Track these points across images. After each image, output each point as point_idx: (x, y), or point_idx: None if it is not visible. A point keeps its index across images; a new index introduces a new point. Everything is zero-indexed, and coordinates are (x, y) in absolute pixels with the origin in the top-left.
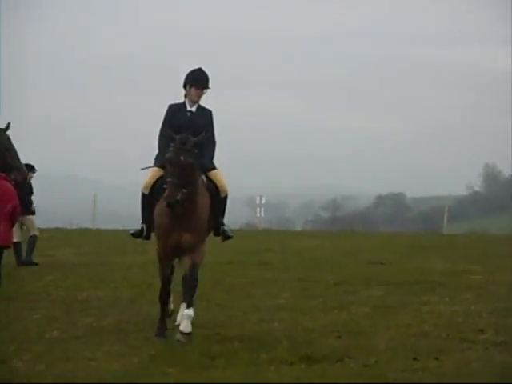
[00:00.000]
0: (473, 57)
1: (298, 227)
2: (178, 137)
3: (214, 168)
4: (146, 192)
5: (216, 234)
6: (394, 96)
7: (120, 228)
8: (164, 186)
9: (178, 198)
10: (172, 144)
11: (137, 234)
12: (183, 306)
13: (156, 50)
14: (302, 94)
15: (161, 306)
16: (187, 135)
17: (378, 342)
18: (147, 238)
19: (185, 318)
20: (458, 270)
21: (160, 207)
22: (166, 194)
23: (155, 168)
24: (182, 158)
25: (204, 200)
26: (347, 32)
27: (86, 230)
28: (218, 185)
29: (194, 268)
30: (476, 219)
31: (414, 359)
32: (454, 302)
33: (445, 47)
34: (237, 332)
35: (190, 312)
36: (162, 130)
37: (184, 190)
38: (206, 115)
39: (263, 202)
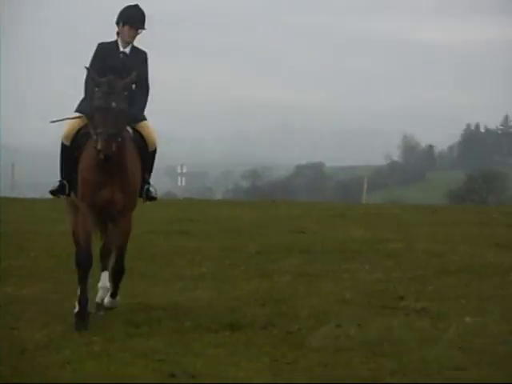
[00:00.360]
0: (400, 27)
1: (219, 196)
2: (104, 80)
3: (144, 119)
4: (67, 143)
5: (139, 195)
6: (314, 64)
7: (39, 197)
8: (94, 137)
9: (114, 149)
10: (98, 89)
11: (57, 191)
12: (104, 274)
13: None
14: (215, 63)
15: (80, 280)
16: (114, 77)
17: (301, 309)
18: (69, 195)
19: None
20: (378, 238)
21: (86, 161)
22: (99, 147)
23: (77, 116)
24: (113, 103)
25: (134, 153)
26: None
27: (4, 199)
28: (147, 137)
29: (122, 249)
30: (394, 189)
31: (337, 326)
32: (375, 269)
33: (359, 17)
34: (160, 300)
35: (114, 301)
36: (89, 71)
37: (119, 139)
38: (140, 58)
39: (184, 171)
